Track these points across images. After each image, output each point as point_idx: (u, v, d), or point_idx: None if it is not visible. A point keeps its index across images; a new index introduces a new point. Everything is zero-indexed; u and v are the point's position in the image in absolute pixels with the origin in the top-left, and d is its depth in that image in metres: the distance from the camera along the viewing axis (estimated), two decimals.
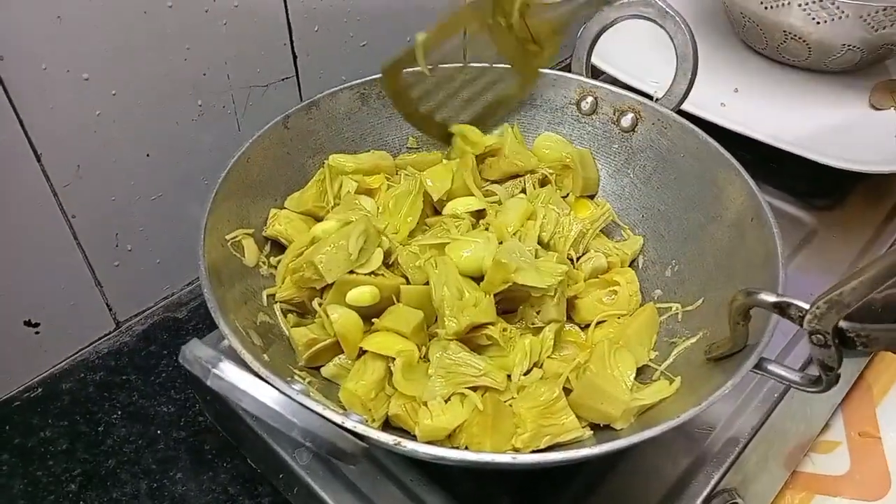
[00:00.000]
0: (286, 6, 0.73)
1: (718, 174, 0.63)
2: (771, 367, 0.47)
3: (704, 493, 0.57)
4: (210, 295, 0.50)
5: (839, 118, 0.89)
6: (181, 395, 0.72)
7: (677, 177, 0.67)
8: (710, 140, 0.64)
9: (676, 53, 0.67)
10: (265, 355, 0.52)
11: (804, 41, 0.88)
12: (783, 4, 0.85)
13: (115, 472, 0.66)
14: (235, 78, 0.72)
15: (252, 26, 0.71)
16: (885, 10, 0.80)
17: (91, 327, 0.75)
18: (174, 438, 0.69)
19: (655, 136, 0.69)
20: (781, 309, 0.42)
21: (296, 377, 0.54)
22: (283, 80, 0.77)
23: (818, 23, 0.84)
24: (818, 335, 0.40)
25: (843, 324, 0.39)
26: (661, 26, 0.66)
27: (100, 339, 0.76)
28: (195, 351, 0.41)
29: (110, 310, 0.75)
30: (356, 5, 0.80)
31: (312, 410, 0.40)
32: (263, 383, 0.40)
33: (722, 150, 0.63)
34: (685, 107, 0.70)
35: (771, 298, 0.42)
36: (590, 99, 0.72)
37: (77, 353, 0.75)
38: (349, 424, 0.41)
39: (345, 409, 0.51)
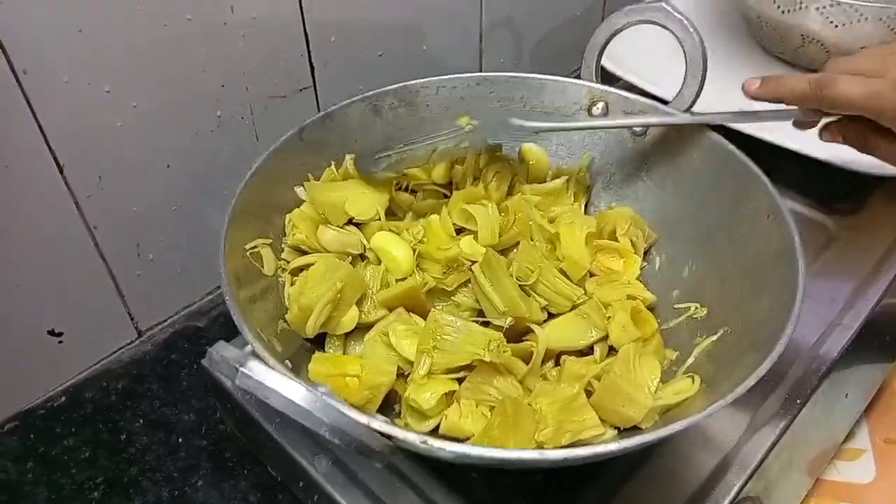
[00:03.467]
0: (303, 17, 0.73)
1: (732, 174, 0.63)
2: None
3: (726, 501, 0.57)
4: (232, 302, 0.51)
5: None
6: (202, 403, 0.73)
7: (692, 178, 0.67)
8: (723, 140, 0.64)
9: (686, 57, 0.67)
10: (287, 361, 0.53)
11: (822, 45, 0.87)
12: (800, 8, 0.84)
13: (138, 480, 0.66)
14: (254, 89, 0.73)
15: (270, 38, 0.72)
16: None
17: (113, 336, 0.76)
18: (195, 446, 0.69)
19: (667, 138, 0.69)
20: None
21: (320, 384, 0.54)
22: (300, 90, 0.77)
23: (836, 26, 0.83)
24: None
25: None
26: (669, 30, 0.66)
27: (122, 348, 0.76)
28: (222, 352, 0.41)
29: (132, 319, 0.76)
30: (372, 16, 0.80)
31: (340, 411, 0.41)
32: (291, 381, 0.40)
33: (734, 148, 0.63)
34: (703, 112, 0.69)
35: None
36: (600, 104, 0.72)
37: (99, 362, 0.75)
38: (375, 425, 0.41)
39: None
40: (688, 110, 0.68)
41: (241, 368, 0.40)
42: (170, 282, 0.77)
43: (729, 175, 0.63)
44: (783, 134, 0.79)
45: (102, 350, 0.75)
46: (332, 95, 0.80)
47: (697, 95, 0.67)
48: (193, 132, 0.70)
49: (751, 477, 0.58)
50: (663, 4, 0.65)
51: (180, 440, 0.70)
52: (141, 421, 0.71)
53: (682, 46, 0.66)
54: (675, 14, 0.65)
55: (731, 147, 0.64)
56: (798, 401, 0.63)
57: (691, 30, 0.65)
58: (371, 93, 0.70)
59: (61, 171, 0.62)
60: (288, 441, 0.60)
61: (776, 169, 0.62)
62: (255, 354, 0.41)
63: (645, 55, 0.88)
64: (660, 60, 0.86)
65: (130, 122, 0.65)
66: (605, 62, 0.75)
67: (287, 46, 0.74)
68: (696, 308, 0.62)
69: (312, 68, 0.77)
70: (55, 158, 0.61)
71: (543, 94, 0.74)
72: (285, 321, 0.60)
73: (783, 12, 0.87)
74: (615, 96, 0.71)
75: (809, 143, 0.78)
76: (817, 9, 0.83)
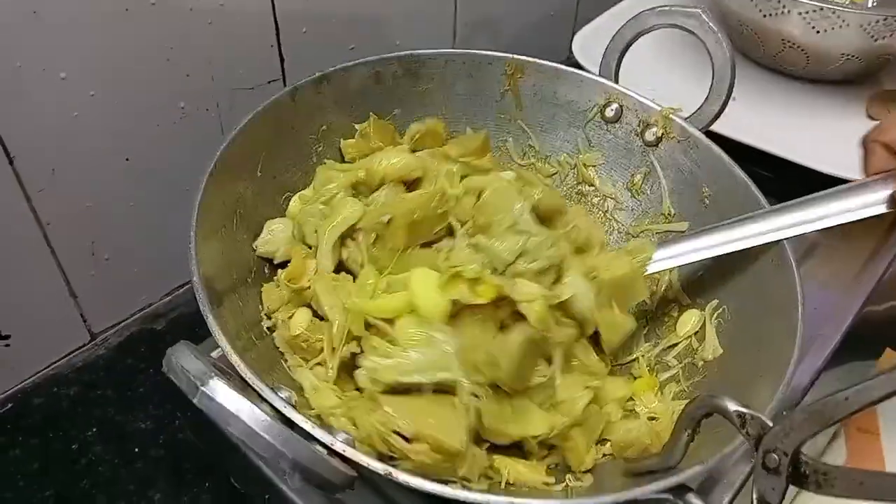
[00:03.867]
0: (274, 6, 0.70)
1: (740, 206, 0.60)
2: (692, 499, 0.42)
3: None
4: (199, 285, 0.47)
5: (836, 128, 0.88)
6: (160, 410, 0.70)
7: (696, 200, 0.65)
8: (737, 168, 0.62)
9: (714, 71, 0.64)
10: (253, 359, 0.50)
11: (803, 50, 0.87)
12: (783, 12, 0.84)
13: (91, 493, 0.63)
14: (220, 80, 0.70)
15: (238, 27, 0.68)
16: (885, 19, 0.79)
17: (65, 340, 0.72)
18: (152, 457, 0.66)
19: (679, 155, 0.67)
20: (743, 420, 0.37)
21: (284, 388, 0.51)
22: (269, 82, 0.74)
23: (818, 32, 0.83)
24: (774, 455, 0.35)
25: (804, 456, 0.34)
26: (700, 40, 0.64)
27: (74, 351, 0.73)
28: (182, 361, 0.38)
29: (85, 321, 0.72)
30: (345, 8, 0.78)
31: (296, 426, 0.39)
32: (255, 408, 0.37)
33: (749, 181, 0.61)
34: (680, 114, 0.68)
35: (733, 407, 0.37)
36: (615, 106, 0.70)
37: (50, 366, 0.71)
38: (338, 447, 0.40)
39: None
40: (706, 128, 0.66)
41: (203, 388, 0.37)
42: (126, 282, 0.73)
43: (736, 208, 0.61)
44: (767, 140, 0.79)
45: (53, 354, 0.72)
46: None
47: (719, 114, 0.65)
48: (155, 124, 0.67)
49: (737, 494, 0.56)
50: (700, 12, 0.63)
51: (136, 450, 0.67)
52: (94, 429, 0.68)
53: (711, 60, 0.64)
54: (711, 25, 0.63)
55: (745, 177, 0.61)
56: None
57: (724, 44, 0.63)
58: (374, 58, 0.67)
59: (11, 163, 0.59)
60: (253, 451, 0.57)
61: (757, 177, 0.60)
62: (218, 371, 0.38)
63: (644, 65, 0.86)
64: (660, 71, 0.84)
65: (87, 112, 0.62)
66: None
67: (256, 36, 0.71)
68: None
69: (282, 60, 0.74)
70: (5, 149, 0.58)
71: (557, 85, 0.71)
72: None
73: (765, 16, 0.86)
74: (632, 100, 0.69)
75: (791, 149, 0.78)
76: (800, 13, 0.82)
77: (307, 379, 0.54)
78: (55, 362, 0.72)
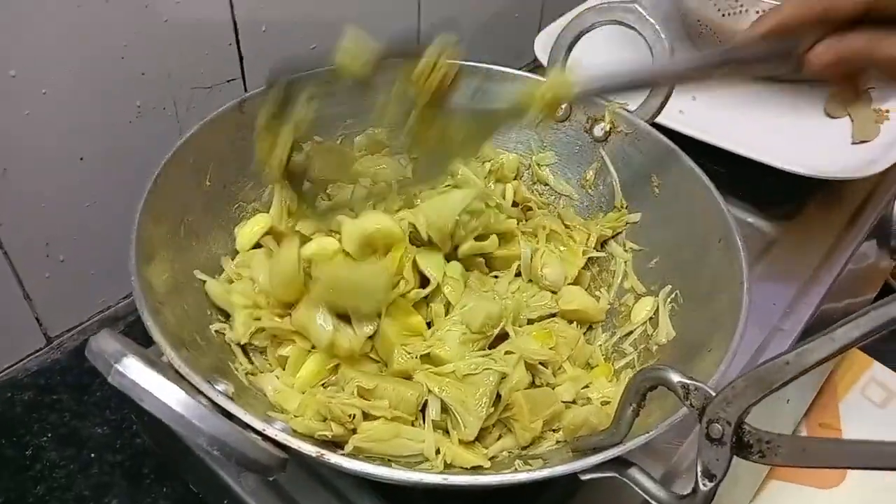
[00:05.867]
0: (231, 4, 0.69)
1: (689, 192, 0.62)
2: (635, 474, 0.42)
3: None
4: (135, 274, 0.48)
5: (795, 126, 0.89)
6: (117, 415, 0.68)
7: (647, 190, 0.66)
8: (683, 155, 0.63)
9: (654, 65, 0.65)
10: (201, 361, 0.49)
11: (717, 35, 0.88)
12: (741, 11, 0.84)
13: (45, 500, 0.62)
14: (177, 78, 0.69)
15: (196, 24, 0.67)
16: None
17: (19, 343, 0.70)
18: (109, 462, 0.65)
19: (628, 147, 0.68)
20: (686, 391, 0.37)
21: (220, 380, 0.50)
22: (228, 81, 0.73)
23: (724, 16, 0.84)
24: (718, 425, 0.34)
25: (746, 425, 0.34)
26: (639, 34, 0.64)
27: (28, 356, 0.71)
28: (101, 343, 0.38)
29: (40, 324, 0.70)
30: (306, 8, 0.77)
31: (230, 415, 0.39)
32: (170, 384, 0.37)
33: (694, 166, 0.62)
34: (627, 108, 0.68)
35: (676, 378, 0.37)
36: (564, 105, 0.70)
37: (3, 371, 0.70)
38: (271, 432, 0.40)
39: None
40: (651, 119, 0.66)
41: (116, 364, 0.37)
42: (82, 284, 0.72)
43: (685, 193, 0.62)
44: (726, 138, 0.79)
45: (7, 358, 0.70)
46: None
47: (663, 105, 0.66)
48: (110, 123, 0.66)
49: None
50: (636, 6, 0.63)
51: (92, 455, 0.65)
52: (49, 435, 0.66)
53: (651, 52, 0.64)
54: (648, 18, 0.63)
55: (692, 164, 0.62)
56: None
57: (663, 35, 0.63)
58: (324, 69, 0.66)
59: None
60: (210, 456, 0.56)
61: (715, 174, 0.61)
62: (134, 351, 0.38)
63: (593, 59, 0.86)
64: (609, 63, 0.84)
65: (39, 111, 0.60)
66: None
67: (214, 34, 0.70)
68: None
69: (241, 59, 0.73)
70: None
71: (503, 87, 0.70)
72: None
73: (723, 15, 0.87)
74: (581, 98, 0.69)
75: (750, 147, 0.79)
76: (758, 12, 0.83)
77: (269, 383, 0.54)
78: (9, 367, 0.70)
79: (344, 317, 0.55)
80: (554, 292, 0.63)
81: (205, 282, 0.58)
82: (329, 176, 0.66)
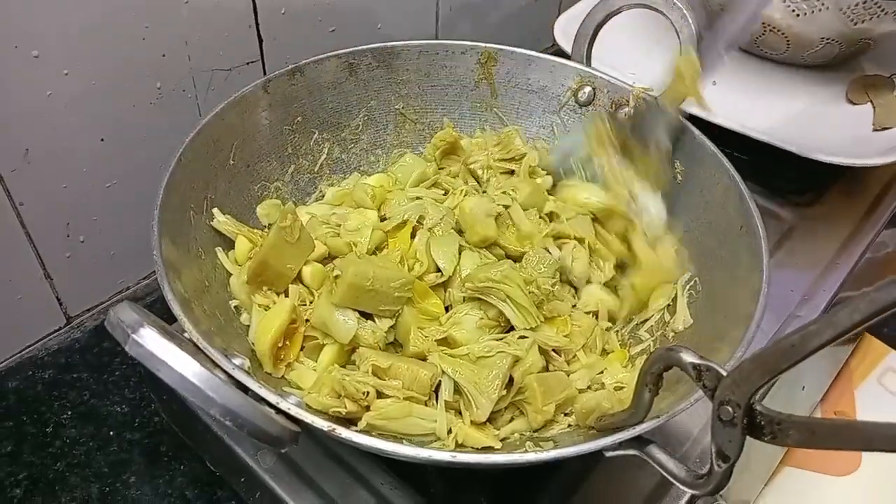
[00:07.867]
0: None
1: (711, 178, 0.61)
2: (655, 452, 0.43)
3: (685, 499, 0.56)
4: (158, 256, 0.48)
5: (817, 112, 0.88)
6: (135, 393, 0.69)
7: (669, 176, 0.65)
8: (707, 142, 0.62)
9: (681, 49, 0.64)
10: (218, 338, 0.49)
11: (783, 34, 0.87)
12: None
13: (65, 476, 0.62)
14: (197, 60, 0.69)
15: (216, 6, 0.68)
16: (864, 3, 0.79)
17: (40, 322, 0.71)
18: (127, 440, 0.65)
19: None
20: (699, 372, 0.36)
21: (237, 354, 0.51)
22: (247, 63, 0.73)
23: (798, 15, 0.82)
24: (729, 407, 0.34)
25: (757, 406, 0.33)
26: (666, 17, 0.64)
27: (49, 335, 0.72)
28: (119, 314, 0.38)
29: (61, 304, 0.71)
30: None
31: (245, 388, 0.40)
32: (185, 355, 0.38)
33: (718, 152, 0.61)
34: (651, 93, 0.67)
35: (689, 359, 0.37)
36: (587, 89, 0.70)
37: (25, 349, 0.71)
38: (284, 406, 0.40)
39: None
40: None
41: (133, 335, 0.37)
42: (102, 265, 0.72)
43: (706, 178, 0.62)
44: (747, 124, 0.78)
45: (28, 337, 0.71)
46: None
47: None
48: (130, 104, 0.66)
49: None
50: None
51: (111, 433, 0.66)
52: (69, 413, 0.67)
53: (678, 37, 0.63)
54: (676, 2, 0.63)
55: (715, 149, 0.62)
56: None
57: (690, 19, 0.63)
58: (347, 50, 0.67)
59: None
60: (229, 434, 0.56)
61: (735, 162, 0.60)
62: (152, 322, 0.38)
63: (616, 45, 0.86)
64: (633, 52, 0.84)
65: (61, 91, 0.61)
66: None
67: (234, 17, 0.70)
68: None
69: (261, 41, 0.73)
70: None
71: (530, 71, 0.71)
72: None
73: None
74: (603, 82, 0.69)
75: (772, 133, 0.78)
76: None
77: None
78: (30, 346, 0.71)
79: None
80: (576, 288, 0.63)
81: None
82: None
